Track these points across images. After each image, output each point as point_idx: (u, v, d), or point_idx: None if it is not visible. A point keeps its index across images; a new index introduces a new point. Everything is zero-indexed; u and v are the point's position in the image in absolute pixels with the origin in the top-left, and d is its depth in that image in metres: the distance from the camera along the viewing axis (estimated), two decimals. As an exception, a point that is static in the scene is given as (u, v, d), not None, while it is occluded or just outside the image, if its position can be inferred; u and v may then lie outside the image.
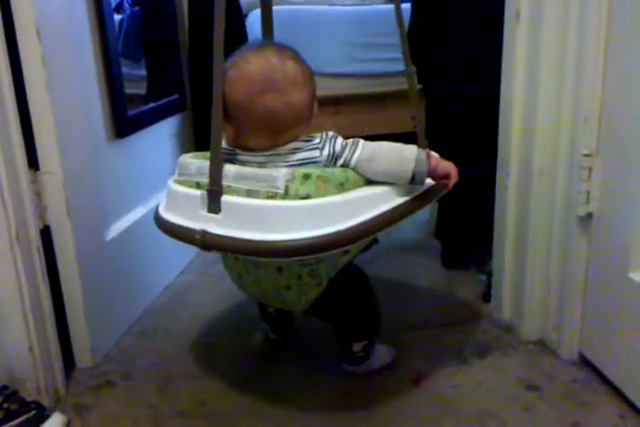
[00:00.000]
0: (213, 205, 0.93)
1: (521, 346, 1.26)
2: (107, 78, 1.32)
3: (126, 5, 2.46)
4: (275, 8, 2.78)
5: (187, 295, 1.55)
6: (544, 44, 1.12)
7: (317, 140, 0.98)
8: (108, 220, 1.32)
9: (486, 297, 1.43)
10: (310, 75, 1.00)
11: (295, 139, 0.98)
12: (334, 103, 2.52)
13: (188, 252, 1.68)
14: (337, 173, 0.94)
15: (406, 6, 2.55)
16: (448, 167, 1.01)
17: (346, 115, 2.56)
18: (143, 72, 1.94)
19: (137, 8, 2.39)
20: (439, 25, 1.53)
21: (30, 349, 1.07)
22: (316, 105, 1.02)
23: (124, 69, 1.45)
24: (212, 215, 0.93)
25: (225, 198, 0.92)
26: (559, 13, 1.09)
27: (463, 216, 1.61)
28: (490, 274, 1.42)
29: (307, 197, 0.89)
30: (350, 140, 0.98)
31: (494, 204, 1.34)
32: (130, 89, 1.47)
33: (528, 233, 1.23)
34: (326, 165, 0.96)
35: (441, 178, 1.01)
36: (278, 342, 1.31)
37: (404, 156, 0.96)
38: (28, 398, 1.05)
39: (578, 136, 1.10)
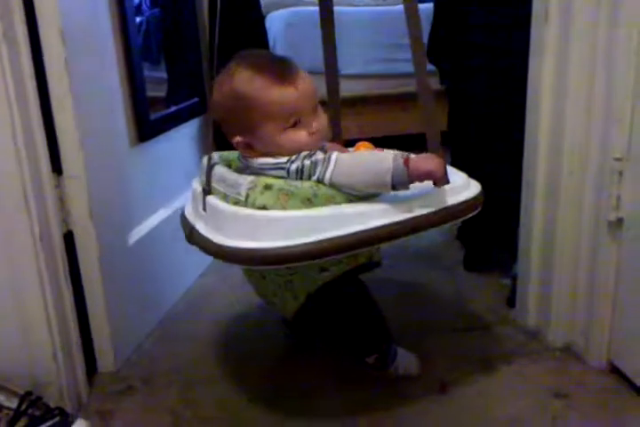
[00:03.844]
0: (204, 203, 0.97)
1: (548, 352, 1.24)
2: (129, 82, 1.32)
3: (144, 8, 2.47)
4: (293, 9, 2.77)
5: (207, 298, 1.54)
6: (575, 43, 1.09)
7: (284, 160, 0.95)
8: (131, 223, 1.31)
9: (511, 302, 1.40)
10: (248, 95, 0.95)
11: (265, 154, 0.97)
12: (356, 104, 2.51)
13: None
14: (304, 187, 0.91)
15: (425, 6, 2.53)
16: (428, 166, 0.90)
17: (368, 115, 2.55)
18: (162, 74, 1.94)
19: (155, 10, 2.40)
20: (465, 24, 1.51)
21: (54, 355, 1.07)
22: (270, 125, 0.96)
23: (145, 72, 1.44)
24: (203, 213, 0.97)
25: (207, 199, 0.96)
26: (591, 8, 1.06)
27: (486, 218, 1.57)
28: (514, 278, 1.40)
29: (263, 207, 0.89)
30: (321, 157, 0.93)
31: (519, 205, 1.31)
32: (150, 92, 1.46)
33: (555, 236, 1.21)
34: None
35: (425, 179, 0.92)
36: (302, 346, 1.30)
37: (378, 166, 0.90)
38: (52, 404, 1.04)
39: (608, 139, 1.07)
